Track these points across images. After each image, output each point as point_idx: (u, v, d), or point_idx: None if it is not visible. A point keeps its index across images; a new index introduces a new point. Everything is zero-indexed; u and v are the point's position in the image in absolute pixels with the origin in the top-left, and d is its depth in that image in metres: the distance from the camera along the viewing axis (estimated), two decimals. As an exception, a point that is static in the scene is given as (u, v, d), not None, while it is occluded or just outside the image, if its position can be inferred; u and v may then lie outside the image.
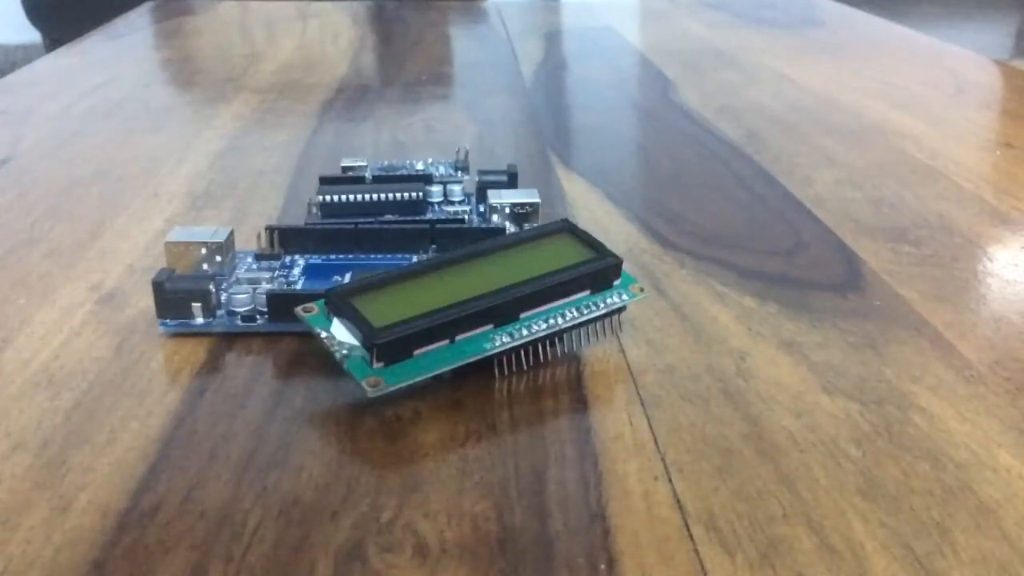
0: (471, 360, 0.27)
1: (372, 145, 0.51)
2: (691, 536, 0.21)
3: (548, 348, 0.28)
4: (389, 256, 0.34)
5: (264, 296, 0.30)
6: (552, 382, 0.28)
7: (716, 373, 0.28)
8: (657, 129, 0.55)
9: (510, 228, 0.36)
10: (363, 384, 0.25)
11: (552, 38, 0.83)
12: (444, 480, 0.23)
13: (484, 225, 0.36)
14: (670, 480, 0.23)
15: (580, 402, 0.27)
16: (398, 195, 0.37)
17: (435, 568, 0.20)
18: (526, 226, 0.36)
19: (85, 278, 0.34)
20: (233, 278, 0.32)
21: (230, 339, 0.30)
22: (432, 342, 0.26)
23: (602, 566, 0.21)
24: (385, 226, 0.35)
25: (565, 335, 0.28)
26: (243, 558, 0.21)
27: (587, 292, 0.28)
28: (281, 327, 0.30)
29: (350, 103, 0.60)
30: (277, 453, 0.24)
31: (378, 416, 0.26)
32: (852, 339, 0.30)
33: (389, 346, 0.26)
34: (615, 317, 0.29)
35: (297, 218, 0.40)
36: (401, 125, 0.55)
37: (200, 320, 0.30)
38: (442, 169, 0.41)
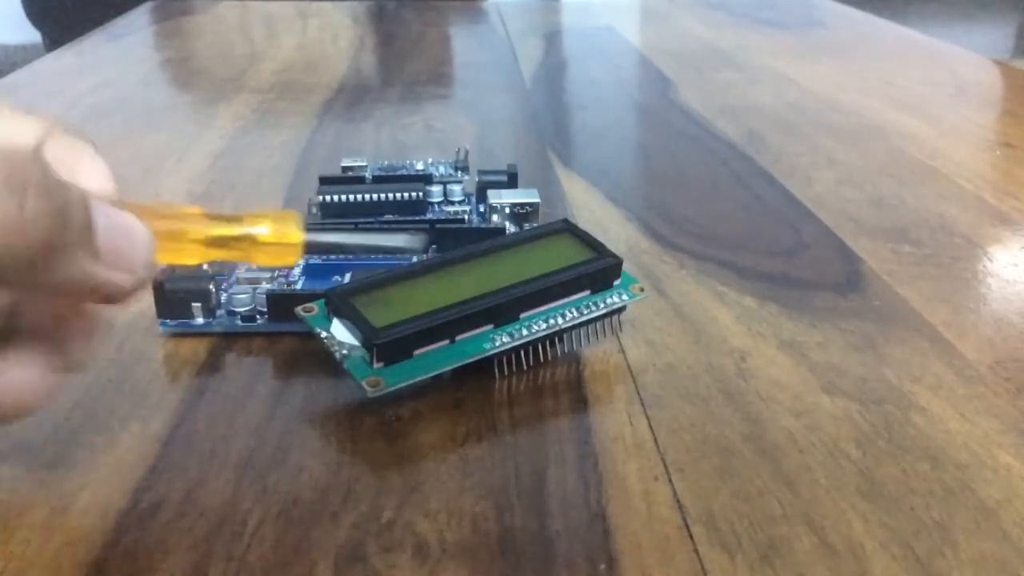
0: (471, 360, 0.27)
1: (372, 145, 0.51)
2: (691, 536, 0.21)
3: (548, 348, 0.28)
4: (389, 256, 0.34)
5: (264, 296, 0.30)
6: (552, 382, 0.28)
7: (716, 373, 0.28)
8: (657, 129, 0.55)
9: (510, 228, 0.36)
10: (363, 384, 0.25)
11: (552, 38, 0.83)
12: (444, 480, 0.23)
13: (484, 225, 0.36)
14: (670, 480, 0.23)
15: (580, 402, 0.27)
16: (398, 195, 0.37)
17: (435, 568, 0.20)
18: (526, 226, 0.36)
19: (85, 278, 0.34)
20: (233, 278, 0.32)
21: (230, 339, 0.30)
22: (432, 342, 0.26)
23: (602, 566, 0.21)
24: (385, 226, 0.35)
25: (565, 335, 0.28)
26: (243, 558, 0.21)
27: (587, 292, 0.28)
28: (281, 327, 0.30)
29: (350, 103, 0.60)
30: (277, 453, 0.24)
31: (378, 416, 0.26)
32: (852, 339, 0.30)
33: (389, 346, 0.26)
34: (615, 317, 0.29)
35: (297, 218, 0.40)
36: (401, 125, 0.55)
37: (200, 320, 0.30)
38: (442, 169, 0.41)
